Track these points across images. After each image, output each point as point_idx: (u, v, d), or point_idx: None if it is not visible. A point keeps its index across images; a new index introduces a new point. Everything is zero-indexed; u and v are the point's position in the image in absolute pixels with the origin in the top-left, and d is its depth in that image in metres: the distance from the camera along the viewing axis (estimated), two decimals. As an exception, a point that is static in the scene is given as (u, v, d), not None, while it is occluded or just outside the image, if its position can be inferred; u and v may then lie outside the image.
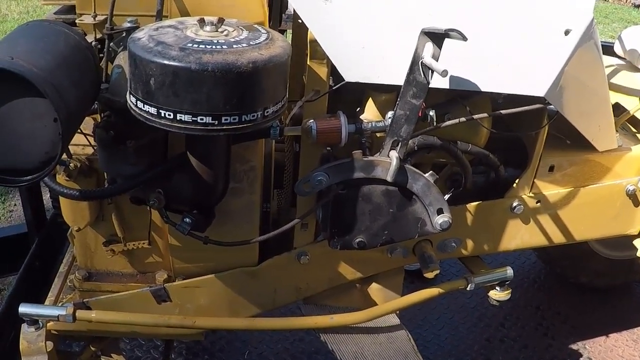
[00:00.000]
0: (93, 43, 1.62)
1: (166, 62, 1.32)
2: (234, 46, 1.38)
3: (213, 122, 1.37)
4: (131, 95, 1.43)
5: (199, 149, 1.61)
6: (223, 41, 1.40)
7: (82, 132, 1.69)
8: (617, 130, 2.25)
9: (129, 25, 1.61)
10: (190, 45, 1.36)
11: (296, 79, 2.23)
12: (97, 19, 1.63)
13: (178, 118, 1.37)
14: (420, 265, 2.06)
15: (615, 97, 2.46)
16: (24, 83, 1.25)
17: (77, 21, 1.65)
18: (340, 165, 1.74)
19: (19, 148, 1.34)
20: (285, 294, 2.10)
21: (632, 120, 2.46)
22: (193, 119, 1.37)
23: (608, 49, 2.68)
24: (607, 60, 2.63)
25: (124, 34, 1.60)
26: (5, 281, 3.24)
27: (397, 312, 2.16)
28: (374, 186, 1.78)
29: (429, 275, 2.03)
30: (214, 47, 1.36)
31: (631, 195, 2.28)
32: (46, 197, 3.24)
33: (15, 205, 3.96)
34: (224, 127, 1.39)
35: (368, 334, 2.13)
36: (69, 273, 2.11)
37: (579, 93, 1.93)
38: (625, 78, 2.54)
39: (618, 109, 2.42)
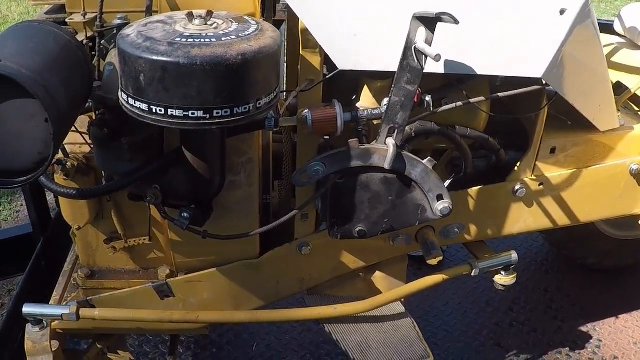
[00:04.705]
0: (84, 41, 1.62)
1: (155, 57, 1.31)
2: (223, 39, 1.37)
3: (205, 116, 1.36)
4: (122, 92, 1.42)
5: (193, 144, 1.61)
6: (212, 34, 1.39)
7: (77, 131, 1.69)
8: (618, 110, 2.22)
9: (119, 22, 1.60)
10: (178, 39, 1.35)
11: (294, 68, 2.22)
12: (87, 17, 1.63)
13: (169, 113, 1.36)
14: (423, 252, 2.05)
15: (616, 76, 2.43)
16: (13, 85, 1.25)
17: (67, 20, 1.65)
18: (336, 154, 1.72)
19: (12, 149, 1.34)
20: (288, 286, 2.10)
21: (634, 98, 2.42)
22: (184, 113, 1.36)
23: (608, 28, 2.65)
24: (607, 38, 2.60)
25: (114, 31, 1.59)
26: (14, 281, 3.26)
27: (402, 299, 2.16)
28: (372, 174, 1.76)
29: (432, 262, 2.02)
30: (202, 40, 1.35)
31: (635, 175, 2.25)
32: (50, 196, 3.24)
33: (21, 205, 3.98)
34: (216, 121, 1.38)
35: (373, 322, 2.12)
36: (73, 271, 2.13)
37: (577, 73, 1.90)
38: (626, 56, 2.51)
39: (619, 87, 2.38)
